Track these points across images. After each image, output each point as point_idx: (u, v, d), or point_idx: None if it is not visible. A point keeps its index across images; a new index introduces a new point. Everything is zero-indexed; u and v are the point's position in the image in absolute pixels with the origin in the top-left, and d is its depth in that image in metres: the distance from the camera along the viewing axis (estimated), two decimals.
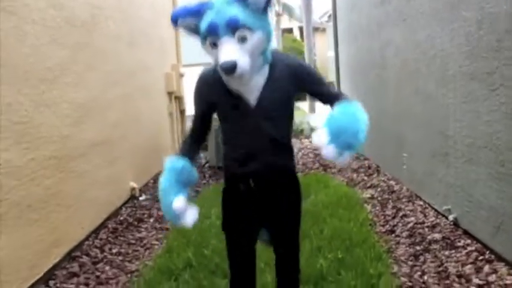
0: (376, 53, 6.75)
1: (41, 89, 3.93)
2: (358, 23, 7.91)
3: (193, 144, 2.48)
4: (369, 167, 7.18)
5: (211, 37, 2.07)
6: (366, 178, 6.62)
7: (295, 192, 2.47)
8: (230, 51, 2.02)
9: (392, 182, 6.09)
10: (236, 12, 2.03)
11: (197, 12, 2.11)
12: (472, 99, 3.85)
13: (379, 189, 5.95)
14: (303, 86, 2.29)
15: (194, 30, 2.16)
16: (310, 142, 10.22)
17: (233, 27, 2.02)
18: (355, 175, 6.85)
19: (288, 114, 2.34)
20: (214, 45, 2.08)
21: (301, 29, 19.23)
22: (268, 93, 2.21)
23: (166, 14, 8.57)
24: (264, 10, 2.11)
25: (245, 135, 2.29)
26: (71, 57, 4.53)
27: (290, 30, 30.64)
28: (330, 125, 2.06)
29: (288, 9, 27.70)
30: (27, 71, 3.75)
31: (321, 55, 28.53)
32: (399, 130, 5.91)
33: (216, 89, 2.26)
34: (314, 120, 2.21)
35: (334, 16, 10.08)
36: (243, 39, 2.04)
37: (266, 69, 2.21)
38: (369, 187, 6.15)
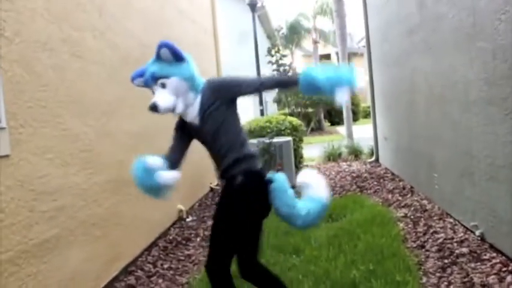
0: (407, 80, 7.10)
1: (102, 121, 4.45)
2: (389, 52, 8.29)
3: (170, 154, 3.08)
4: (404, 188, 7.46)
5: (150, 88, 2.92)
6: (400, 198, 6.91)
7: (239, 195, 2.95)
8: (156, 96, 2.83)
9: (425, 202, 6.37)
10: (154, 68, 2.85)
11: (142, 74, 2.95)
12: (491, 123, 4.19)
13: (412, 208, 6.23)
14: (224, 94, 2.94)
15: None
16: (348, 165, 10.55)
17: (154, 78, 2.85)
18: (390, 195, 7.15)
19: (226, 126, 2.93)
20: (153, 92, 2.89)
21: (338, 54, 19.66)
22: (203, 114, 2.91)
23: (208, 50, 9.18)
24: (177, 60, 2.86)
25: (207, 150, 3.06)
26: (126, 92, 5.04)
27: (328, 56, 31.07)
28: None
29: (324, 36, 28.21)
30: (91, 105, 4.27)
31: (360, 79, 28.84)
32: (430, 152, 6.22)
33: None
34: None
35: (367, 46, 10.47)
36: (163, 85, 2.83)
37: (198, 98, 2.92)
38: (403, 206, 6.43)
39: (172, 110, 2.87)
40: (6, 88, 3.08)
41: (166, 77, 2.82)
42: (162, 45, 2.80)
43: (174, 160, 3.05)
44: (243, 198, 2.91)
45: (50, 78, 3.61)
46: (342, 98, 2.72)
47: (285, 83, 3.38)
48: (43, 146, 3.45)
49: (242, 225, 2.94)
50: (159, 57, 2.85)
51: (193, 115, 2.93)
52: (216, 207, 3.07)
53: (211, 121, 2.90)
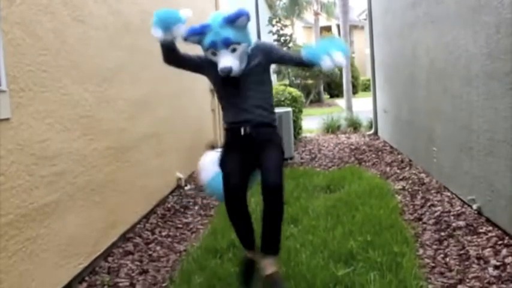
0: (408, 53, 7.07)
1: (103, 87, 4.43)
2: (392, 25, 8.23)
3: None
4: (402, 161, 7.49)
5: (211, 49, 3.16)
6: (398, 171, 6.94)
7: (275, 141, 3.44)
8: (226, 59, 3.11)
9: (423, 175, 6.41)
10: (228, 34, 3.10)
11: (201, 33, 3.19)
12: (492, 97, 4.18)
13: (410, 181, 6.27)
14: (270, 56, 3.36)
15: (197, 42, 3.23)
16: (347, 138, 10.55)
17: (227, 44, 3.10)
18: (388, 168, 7.19)
19: (261, 83, 3.35)
20: (214, 54, 3.18)
21: (339, 26, 19.47)
22: (245, 68, 3.24)
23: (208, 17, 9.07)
24: (245, 27, 3.20)
25: (235, 101, 3.30)
26: (127, 59, 5.02)
27: (329, 28, 30.82)
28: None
29: (325, 8, 27.94)
30: (92, 71, 4.25)
31: (359, 52, 28.66)
32: (430, 125, 6.22)
33: (214, 68, 3.22)
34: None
35: (369, 18, 10.42)
36: (233, 50, 3.13)
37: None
38: (401, 179, 6.47)
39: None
40: (7, 51, 3.04)
41: (238, 43, 3.13)
42: (244, 14, 3.11)
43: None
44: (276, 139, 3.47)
45: (50, 42, 3.57)
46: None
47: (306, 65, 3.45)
48: (43, 111, 3.43)
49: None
50: (231, 23, 3.11)
51: (238, 69, 3.18)
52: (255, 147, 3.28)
53: (252, 75, 3.25)
